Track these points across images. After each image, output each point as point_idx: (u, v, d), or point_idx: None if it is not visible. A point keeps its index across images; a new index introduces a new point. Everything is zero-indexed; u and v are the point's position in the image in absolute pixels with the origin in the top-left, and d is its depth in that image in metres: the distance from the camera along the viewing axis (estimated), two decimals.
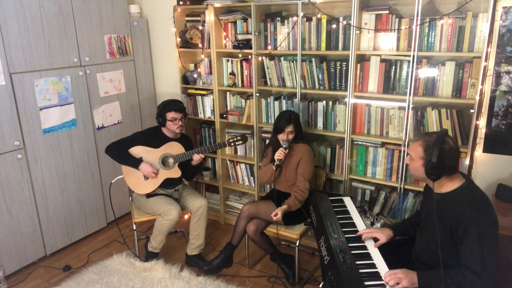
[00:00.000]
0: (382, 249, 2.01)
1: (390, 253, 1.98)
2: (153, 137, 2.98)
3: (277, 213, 2.56)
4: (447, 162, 1.77)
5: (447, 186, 1.85)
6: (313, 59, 2.91)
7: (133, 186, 2.98)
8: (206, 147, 2.95)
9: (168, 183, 2.99)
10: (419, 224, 2.15)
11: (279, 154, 2.70)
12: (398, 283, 1.73)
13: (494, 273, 1.69)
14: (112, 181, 3.13)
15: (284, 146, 2.71)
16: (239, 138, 2.97)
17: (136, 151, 2.93)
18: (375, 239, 2.06)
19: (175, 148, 2.95)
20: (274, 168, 2.74)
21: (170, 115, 2.91)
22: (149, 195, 2.97)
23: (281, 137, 2.76)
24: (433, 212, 1.88)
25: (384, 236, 2.04)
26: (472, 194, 1.80)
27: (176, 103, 2.98)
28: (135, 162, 2.89)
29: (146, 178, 2.94)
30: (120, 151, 2.92)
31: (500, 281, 2.23)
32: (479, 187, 1.88)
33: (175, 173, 2.95)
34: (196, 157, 2.91)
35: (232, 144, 2.99)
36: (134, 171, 2.93)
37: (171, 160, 2.95)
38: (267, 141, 3.27)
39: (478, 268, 1.67)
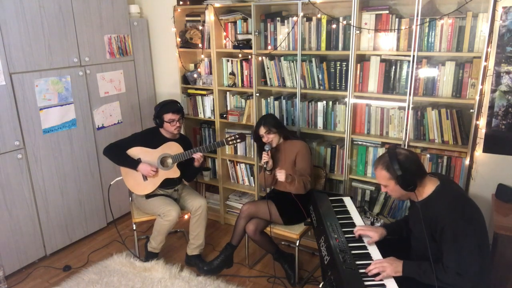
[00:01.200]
0: (382, 249, 2.02)
1: (390, 253, 1.98)
2: (152, 138, 2.98)
3: (282, 172, 2.59)
4: (411, 169, 1.83)
5: (423, 192, 1.90)
6: (313, 59, 2.91)
7: (132, 187, 2.98)
8: (205, 146, 2.95)
9: (167, 183, 2.99)
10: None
11: (263, 158, 2.73)
12: (383, 271, 1.80)
13: (474, 272, 1.71)
14: (111, 183, 3.13)
15: (266, 149, 2.73)
16: (237, 136, 2.97)
17: (134, 152, 2.93)
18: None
19: (173, 148, 2.94)
20: (268, 173, 2.77)
21: (168, 116, 2.89)
22: (148, 196, 2.96)
23: (264, 141, 2.80)
24: (416, 220, 1.93)
25: (376, 234, 2.08)
26: (446, 196, 1.84)
27: (174, 104, 2.97)
28: (133, 163, 2.88)
29: (145, 178, 2.94)
30: (118, 153, 2.92)
31: (500, 281, 2.23)
32: (456, 185, 1.93)
33: (174, 173, 2.95)
34: (197, 156, 2.90)
35: (231, 143, 2.99)
36: (133, 172, 2.92)
37: (169, 160, 2.94)
38: None
39: (455, 268, 1.71)
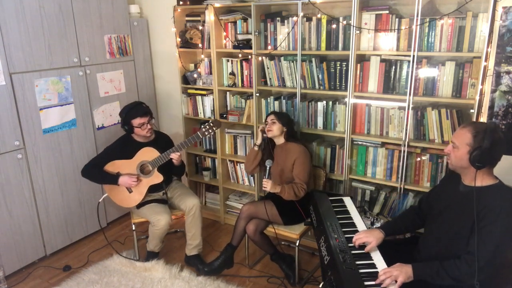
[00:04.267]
0: (382, 248, 2.01)
1: (391, 252, 1.98)
2: (125, 147, 2.89)
3: (268, 182, 2.59)
4: (493, 152, 1.74)
5: (483, 180, 1.80)
6: (313, 59, 2.91)
7: (120, 201, 2.95)
8: (181, 144, 2.84)
9: (154, 189, 2.95)
10: (416, 221, 2.14)
11: (264, 184, 2.62)
12: (395, 281, 1.74)
13: (491, 271, 1.69)
14: (99, 201, 3.12)
15: (267, 165, 2.63)
16: (212, 125, 2.85)
17: (111, 167, 2.87)
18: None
19: (149, 154, 2.85)
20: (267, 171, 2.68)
21: (136, 121, 2.81)
22: (139, 205, 2.93)
23: (266, 129, 2.78)
24: (455, 204, 1.86)
25: (375, 239, 1.99)
26: (507, 194, 1.77)
27: (139, 107, 2.85)
28: (113, 179, 2.83)
29: (130, 190, 2.90)
30: (95, 172, 2.87)
31: (500, 281, 2.23)
32: None
33: (157, 178, 2.88)
34: (174, 156, 2.81)
35: (206, 133, 2.86)
36: (116, 187, 2.89)
37: (149, 167, 2.88)
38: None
39: (482, 259, 1.67)
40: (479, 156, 1.73)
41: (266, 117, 2.85)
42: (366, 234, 2.04)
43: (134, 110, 2.84)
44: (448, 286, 1.77)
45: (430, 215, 2.05)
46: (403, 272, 1.75)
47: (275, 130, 2.76)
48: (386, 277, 1.74)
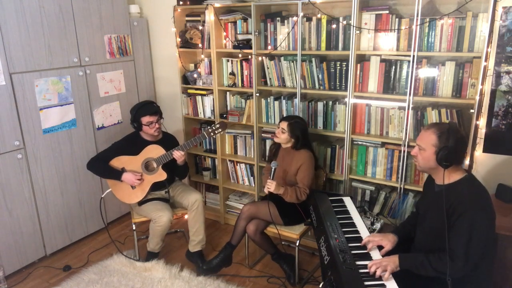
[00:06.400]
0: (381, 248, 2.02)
1: (390, 252, 1.99)
2: (133, 144, 2.91)
3: (272, 184, 2.57)
4: (458, 150, 1.81)
5: (452, 177, 1.86)
6: (313, 59, 2.91)
7: (122, 197, 2.95)
8: (186, 143, 2.86)
9: (157, 187, 2.96)
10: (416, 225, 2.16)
11: (268, 185, 2.62)
12: (385, 271, 1.79)
13: (473, 263, 1.73)
14: (102, 196, 3.11)
15: (273, 166, 2.61)
16: (218, 126, 2.88)
17: (117, 162, 2.89)
18: (380, 247, 2.04)
19: (154, 151, 2.87)
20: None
21: (145, 119, 2.84)
22: (141, 202, 2.93)
23: (276, 132, 2.77)
24: (433, 204, 1.91)
25: (389, 243, 2.03)
26: (474, 187, 1.84)
27: (150, 106, 2.89)
28: (117, 174, 2.85)
29: (133, 187, 2.91)
30: (101, 166, 2.89)
31: (501, 281, 2.23)
32: (481, 182, 1.91)
33: (160, 176, 2.89)
34: (177, 154, 2.82)
35: (212, 134, 2.89)
36: (120, 183, 2.90)
37: (154, 164, 2.89)
38: (267, 141, 3.27)
39: (459, 253, 1.72)
40: (446, 155, 1.79)
41: (280, 120, 2.78)
42: (381, 237, 2.06)
43: (144, 108, 2.88)
44: (435, 279, 1.80)
45: (419, 216, 2.10)
46: (391, 261, 1.82)
47: (282, 139, 2.75)
48: (376, 268, 1.81)
